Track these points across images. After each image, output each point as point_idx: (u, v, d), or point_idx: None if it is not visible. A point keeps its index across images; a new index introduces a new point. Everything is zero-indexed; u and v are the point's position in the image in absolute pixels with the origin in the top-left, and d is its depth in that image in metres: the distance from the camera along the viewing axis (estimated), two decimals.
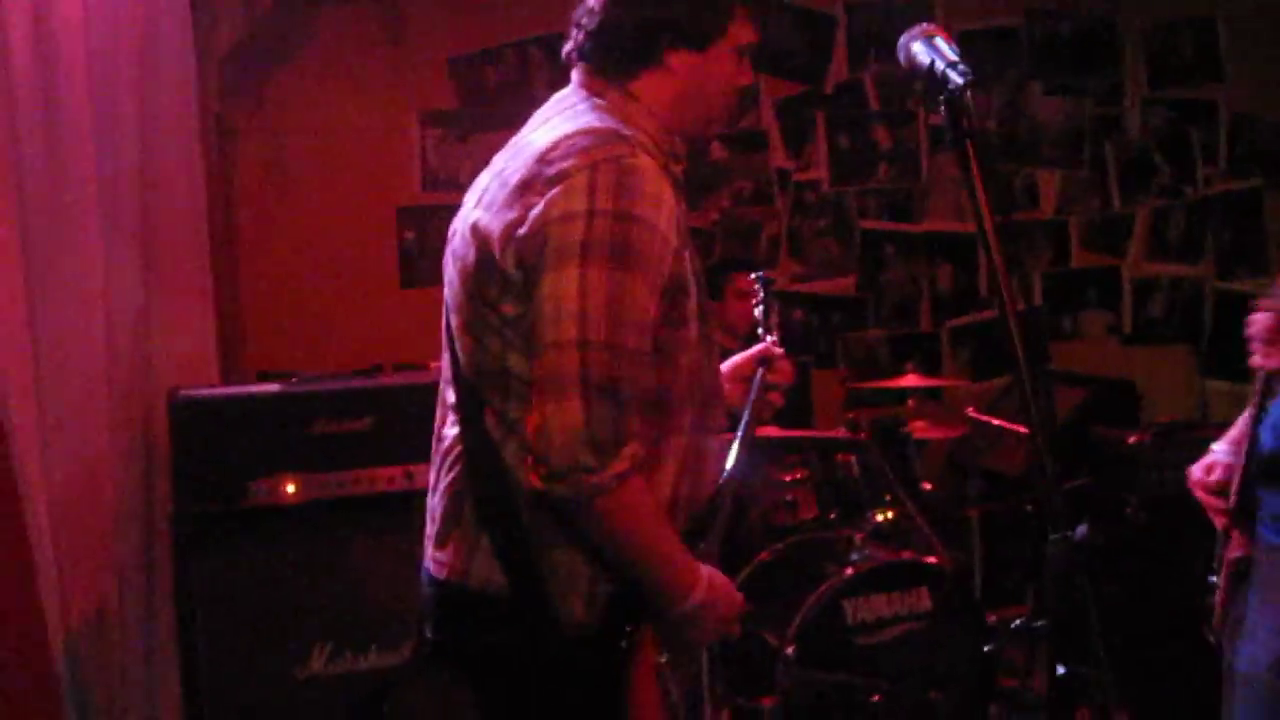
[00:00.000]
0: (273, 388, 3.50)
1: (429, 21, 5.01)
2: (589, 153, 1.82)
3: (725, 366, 2.30)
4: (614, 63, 1.97)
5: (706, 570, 1.96)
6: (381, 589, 3.42)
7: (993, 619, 3.70)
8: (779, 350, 2.35)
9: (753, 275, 2.67)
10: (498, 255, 1.86)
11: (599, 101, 1.96)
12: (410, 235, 5.11)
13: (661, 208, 1.83)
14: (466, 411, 1.98)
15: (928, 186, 5.66)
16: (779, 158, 5.49)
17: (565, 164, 1.82)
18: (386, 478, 3.46)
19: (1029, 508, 4.21)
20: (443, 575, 1.99)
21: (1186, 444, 4.21)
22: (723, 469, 2.14)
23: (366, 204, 5.02)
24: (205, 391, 3.51)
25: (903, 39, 1.75)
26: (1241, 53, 5.96)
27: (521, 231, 1.82)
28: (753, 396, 2.29)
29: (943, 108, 1.62)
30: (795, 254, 5.53)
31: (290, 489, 3.40)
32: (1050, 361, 5.76)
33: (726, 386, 2.28)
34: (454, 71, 5.10)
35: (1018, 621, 3.93)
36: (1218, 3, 5.93)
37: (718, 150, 5.40)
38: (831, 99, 5.54)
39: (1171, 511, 4.00)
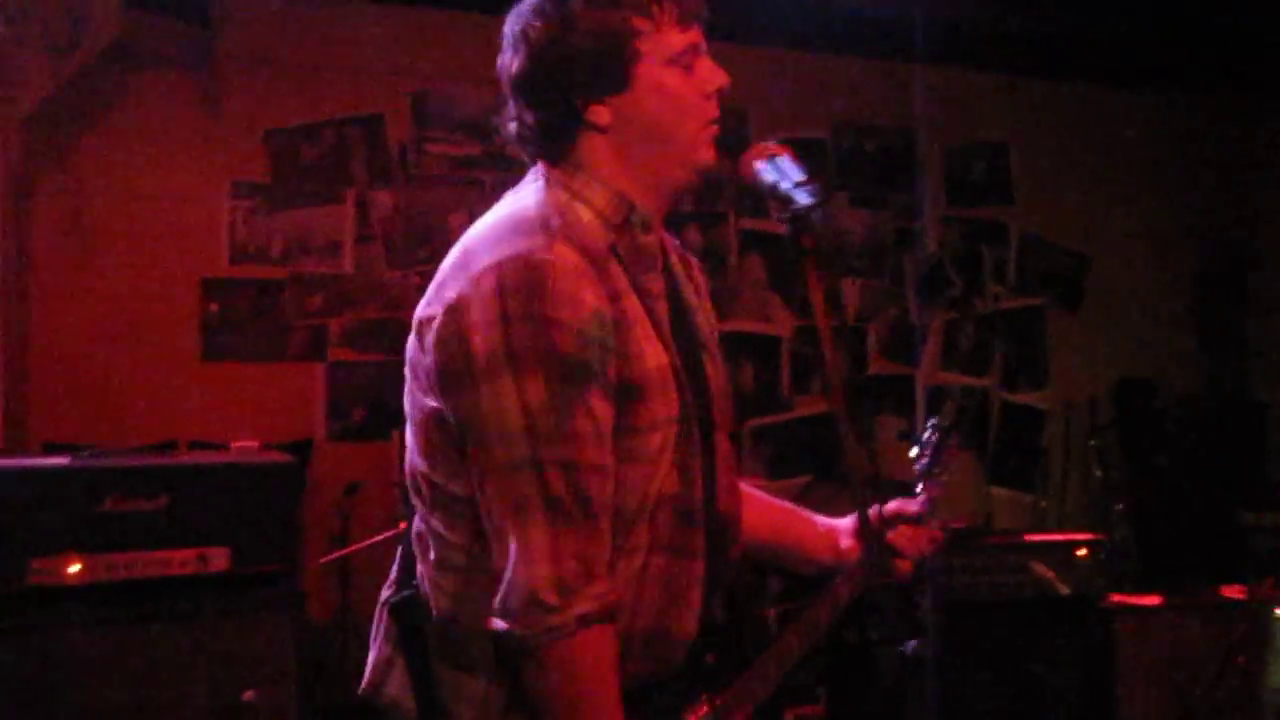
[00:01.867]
0: (60, 460, 3.33)
1: (247, 92, 4.95)
2: (499, 246, 1.68)
3: (848, 522, 2.11)
4: (547, 145, 1.79)
5: None
6: (168, 677, 3.27)
7: (790, 718, 3.76)
8: (921, 509, 2.12)
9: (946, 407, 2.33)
10: (423, 348, 1.72)
11: (542, 183, 1.78)
12: (214, 307, 4.98)
13: (580, 307, 1.62)
14: (407, 513, 1.84)
15: (735, 288, 5.81)
16: None
17: (477, 260, 1.68)
18: (180, 560, 3.32)
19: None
20: (363, 685, 1.85)
21: (971, 550, 4.42)
22: (700, 605, 1.82)
23: (170, 273, 4.88)
24: None
25: (746, 156, 1.77)
26: (1031, 178, 6.34)
27: (438, 328, 1.68)
28: (863, 557, 2.03)
29: (787, 225, 1.66)
30: None
31: (74, 569, 3.23)
32: (841, 464, 5.93)
33: (844, 543, 2.10)
34: (269, 144, 5.02)
35: None
36: (1009, 130, 6.31)
37: None
38: None
39: (963, 617, 4.15)
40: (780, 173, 1.69)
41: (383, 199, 5.21)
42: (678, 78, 1.76)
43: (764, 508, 2.17)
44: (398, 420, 5.68)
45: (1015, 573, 4.33)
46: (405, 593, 1.79)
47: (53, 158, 4.56)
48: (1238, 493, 6.04)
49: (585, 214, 1.75)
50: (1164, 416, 6.43)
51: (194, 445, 4.08)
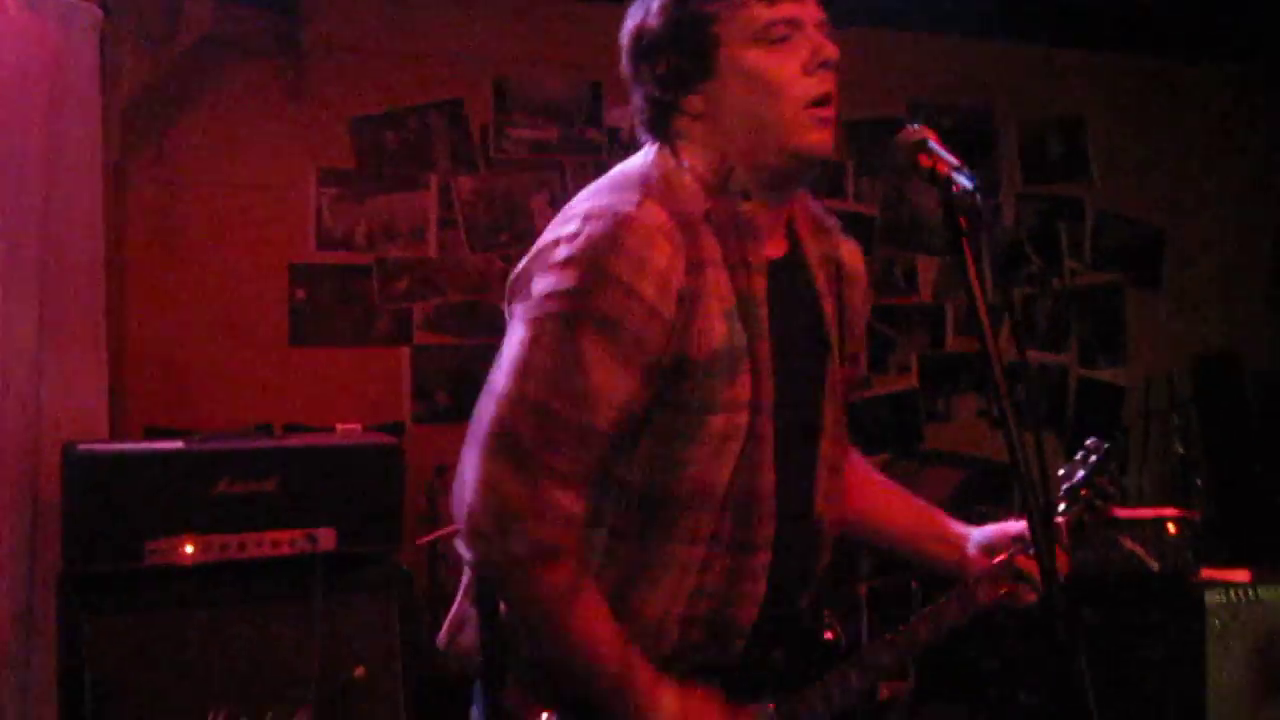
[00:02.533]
0: (175, 445, 3.41)
1: (332, 81, 5.01)
2: (595, 197, 1.70)
3: (980, 534, 2.03)
4: (654, 128, 1.78)
5: (678, 701, 1.69)
6: (278, 655, 3.34)
7: (886, 693, 3.79)
8: (1058, 534, 1.98)
9: (1090, 442, 2.13)
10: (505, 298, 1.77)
11: (652, 150, 1.77)
12: (302, 294, 5.06)
13: (646, 271, 1.61)
14: None
15: None
16: None
17: (574, 207, 1.72)
18: (289, 540, 3.40)
19: (913, 584, 4.34)
20: (439, 637, 1.90)
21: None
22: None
23: (259, 260, 4.97)
24: (104, 446, 3.40)
25: (898, 138, 1.71)
26: (1107, 154, 6.30)
27: (524, 260, 1.74)
28: (985, 570, 1.95)
29: (943, 207, 1.61)
30: None
31: (189, 549, 3.31)
32: (924, 441, 5.95)
33: (971, 552, 2.00)
34: (354, 131, 5.09)
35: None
36: (1085, 105, 6.26)
37: None
38: None
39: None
40: (937, 157, 1.64)
41: (464, 183, 5.26)
42: (764, 56, 1.68)
43: (898, 506, 2.14)
44: None
45: (1105, 548, 4.32)
46: None
47: (147, 149, 4.64)
48: None
49: (686, 178, 1.72)
50: (1245, 391, 6.38)
51: (289, 429, 4.14)
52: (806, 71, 1.68)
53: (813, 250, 1.87)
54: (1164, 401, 6.15)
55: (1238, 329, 6.49)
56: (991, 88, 5.99)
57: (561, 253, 1.64)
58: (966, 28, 5.57)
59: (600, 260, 1.61)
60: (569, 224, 1.67)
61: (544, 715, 1.74)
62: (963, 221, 1.58)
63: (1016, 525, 1.98)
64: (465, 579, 1.87)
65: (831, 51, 1.70)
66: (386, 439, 3.67)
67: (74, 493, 3.29)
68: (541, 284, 1.65)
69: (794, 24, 1.69)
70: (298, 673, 3.31)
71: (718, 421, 1.68)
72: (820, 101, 1.70)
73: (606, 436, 1.64)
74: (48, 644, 3.54)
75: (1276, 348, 6.63)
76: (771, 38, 1.68)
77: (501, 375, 1.66)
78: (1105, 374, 6.33)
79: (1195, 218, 6.45)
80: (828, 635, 1.95)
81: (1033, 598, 1.93)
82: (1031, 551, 1.89)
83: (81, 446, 3.33)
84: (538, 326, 1.63)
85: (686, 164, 1.73)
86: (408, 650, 3.47)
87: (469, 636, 1.82)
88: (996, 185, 6.10)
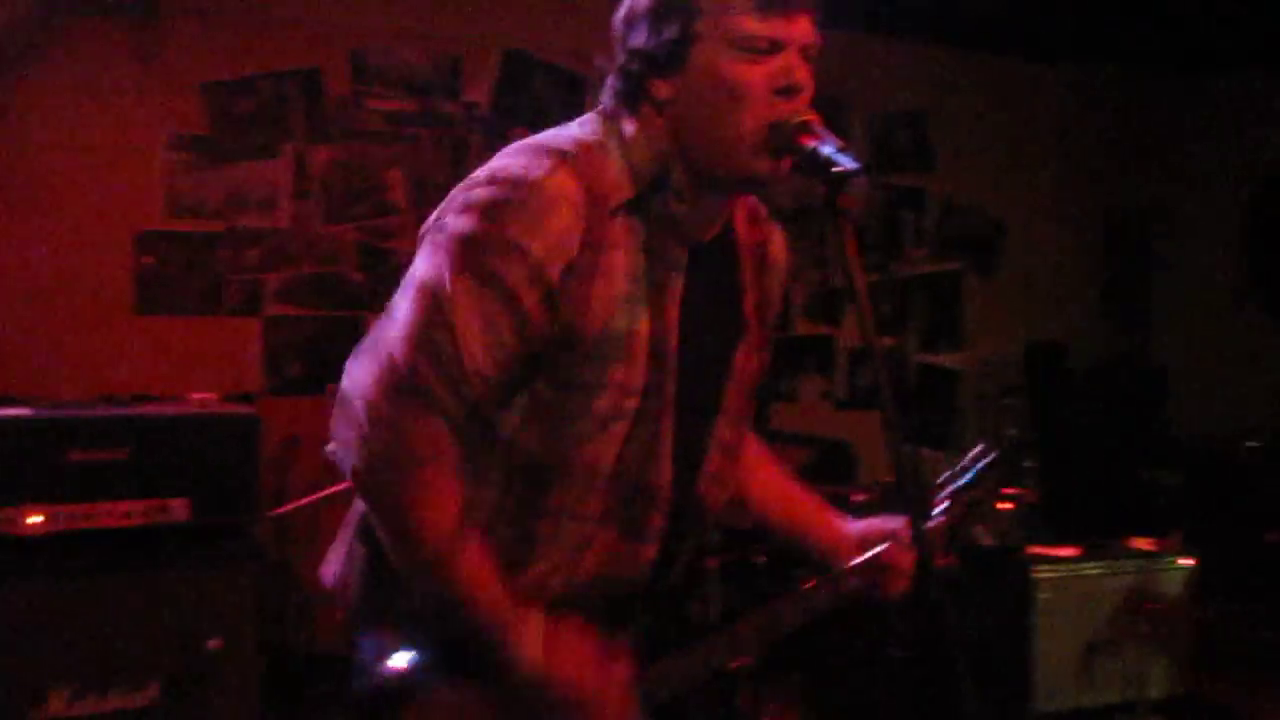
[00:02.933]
0: (23, 411, 3.31)
1: (186, 44, 4.91)
2: (516, 154, 1.68)
3: (857, 527, 2.05)
4: (617, 98, 1.75)
5: (542, 630, 1.68)
6: (128, 628, 3.28)
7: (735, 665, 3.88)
8: (934, 534, 2.01)
9: (980, 448, 2.11)
10: None
11: (597, 115, 1.76)
12: (149, 261, 4.94)
13: (538, 233, 1.62)
14: None
15: None
16: None
17: (497, 158, 1.71)
18: (141, 511, 3.33)
19: (761, 559, 4.45)
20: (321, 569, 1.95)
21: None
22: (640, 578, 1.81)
23: (105, 225, 4.85)
24: None
25: (780, 120, 1.66)
26: (949, 146, 6.53)
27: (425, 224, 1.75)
28: (856, 562, 1.98)
29: (824, 187, 1.59)
30: None
31: (36, 519, 3.22)
32: (769, 421, 6.09)
33: (846, 547, 2.02)
34: (207, 97, 4.99)
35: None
36: (930, 99, 6.48)
37: None
38: None
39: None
40: (828, 144, 1.62)
41: (320, 154, 5.20)
42: (738, 65, 1.65)
43: (785, 493, 2.17)
44: (334, 374, 5.69)
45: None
46: None
47: None
48: (1139, 451, 6.33)
49: (615, 161, 1.71)
50: (1072, 377, 6.69)
51: (135, 398, 4.06)
52: (774, 91, 1.65)
53: (744, 238, 1.88)
54: (997, 386, 6.41)
55: (1068, 318, 6.81)
56: (843, 80, 6.15)
57: (470, 197, 1.66)
58: (820, 20, 5.69)
59: (498, 215, 1.63)
60: (484, 172, 1.69)
61: (403, 654, 1.77)
62: (848, 203, 1.58)
63: (891, 522, 2.01)
64: (350, 515, 1.89)
65: (803, 77, 1.66)
66: (244, 409, 3.63)
67: None
68: (447, 222, 1.68)
69: (777, 44, 1.66)
70: (151, 645, 3.26)
71: (602, 403, 1.70)
72: (781, 126, 1.65)
73: (479, 380, 1.65)
74: None
75: (1103, 336, 6.97)
76: (750, 49, 1.65)
77: (398, 301, 1.69)
78: (942, 359, 6.57)
79: (1030, 210, 6.73)
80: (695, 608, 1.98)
81: (897, 591, 1.97)
82: (901, 547, 1.94)
83: None
84: (435, 264, 1.65)
85: (626, 142, 1.72)
86: (261, 622, 3.44)
87: (348, 574, 1.85)
88: None
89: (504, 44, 5.52)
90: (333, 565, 1.91)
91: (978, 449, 2.10)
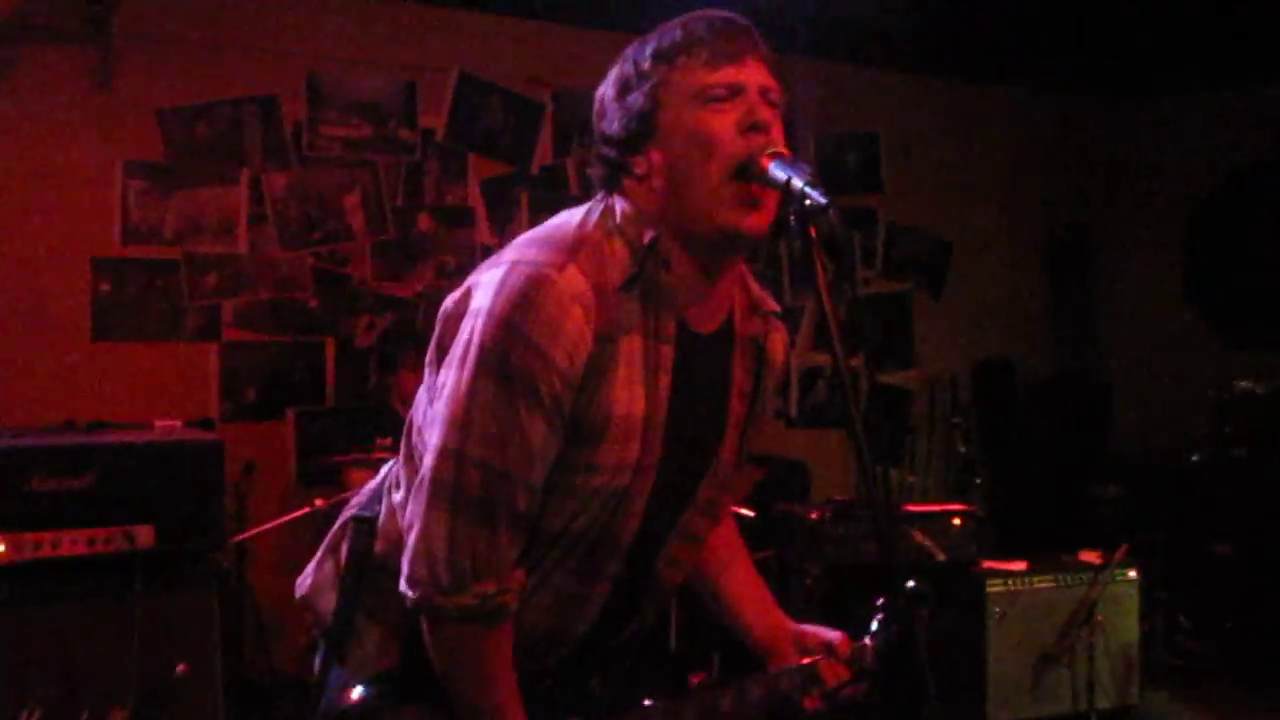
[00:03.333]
0: None
1: (141, 71, 4.92)
2: (524, 250, 1.73)
3: (795, 629, 2.07)
4: (606, 180, 1.80)
5: None
6: (95, 654, 3.29)
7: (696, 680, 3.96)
8: (863, 652, 1.97)
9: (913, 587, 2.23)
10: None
11: (597, 207, 1.80)
12: (105, 287, 4.94)
13: (558, 338, 1.66)
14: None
15: None
16: (484, 233, 5.68)
17: (505, 255, 1.75)
18: (105, 538, 3.35)
19: None
20: (299, 581, 2.00)
21: (857, 519, 4.69)
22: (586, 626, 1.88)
23: (62, 252, 4.84)
24: None
25: (750, 154, 1.70)
26: (898, 168, 6.65)
27: (450, 300, 1.78)
28: (791, 666, 2.00)
29: (793, 219, 1.64)
30: None
31: None
32: None
33: (783, 647, 2.05)
34: (163, 123, 5.00)
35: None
36: (880, 120, 6.60)
37: (425, 223, 5.54)
38: (536, 180, 5.79)
39: (846, 580, 4.42)
40: (791, 170, 1.66)
41: (277, 179, 5.23)
42: (701, 114, 1.70)
43: (739, 581, 2.20)
44: (291, 399, 5.73)
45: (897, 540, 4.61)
46: (370, 513, 1.90)
47: None
48: (1084, 466, 6.46)
49: (618, 244, 1.76)
50: (1019, 394, 6.82)
51: (93, 425, 4.06)
52: (741, 131, 1.69)
53: (742, 331, 1.92)
54: (947, 403, 6.53)
55: (1014, 336, 6.94)
56: (794, 100, 6.25)
57: (485, 302, 1.69)
58: (771, 43, 5.79)
59: (517, 321, 1.66)
60: (497, 269, 1.72)
61: (356, 690, 1.85)
62: (814, 232, 1.63)
63: (831, 634, 2.02)
64: (330, 538, 1.95)
65: (767, 115, 1.71)
66: (207, 435, 3.65)
67: None
68: (467, 331, 1.71)
69: (734, 89, 1.71)
70: (115, 671, 3.27)
71: (597, 480, 1.75)
72: (748, 171, 1.68)
73: (539, 488, 1.72)
74: None
75: (1047, 355, 7.12)
76: (709, 97, 1.70)
77: (444, 430, 1.71)
78: (894, 377, 6.68)
79: (976, 231, 6.87)
80: (695, 678, 2.01)
81: (813, 704, 1.97)
82: (833, 660, 1.96)
83: None
84: (471, 383, 1.69)
85: (620, 223, 1.77)
86: (226, 647, 3.47)
87: (326, 600, 1.91)
88: None
89: (458, 70, 5.57)
90: (307, 578, 1.97)
91: (910, 585, 2.07)
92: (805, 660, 2.01)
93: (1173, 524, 5.90)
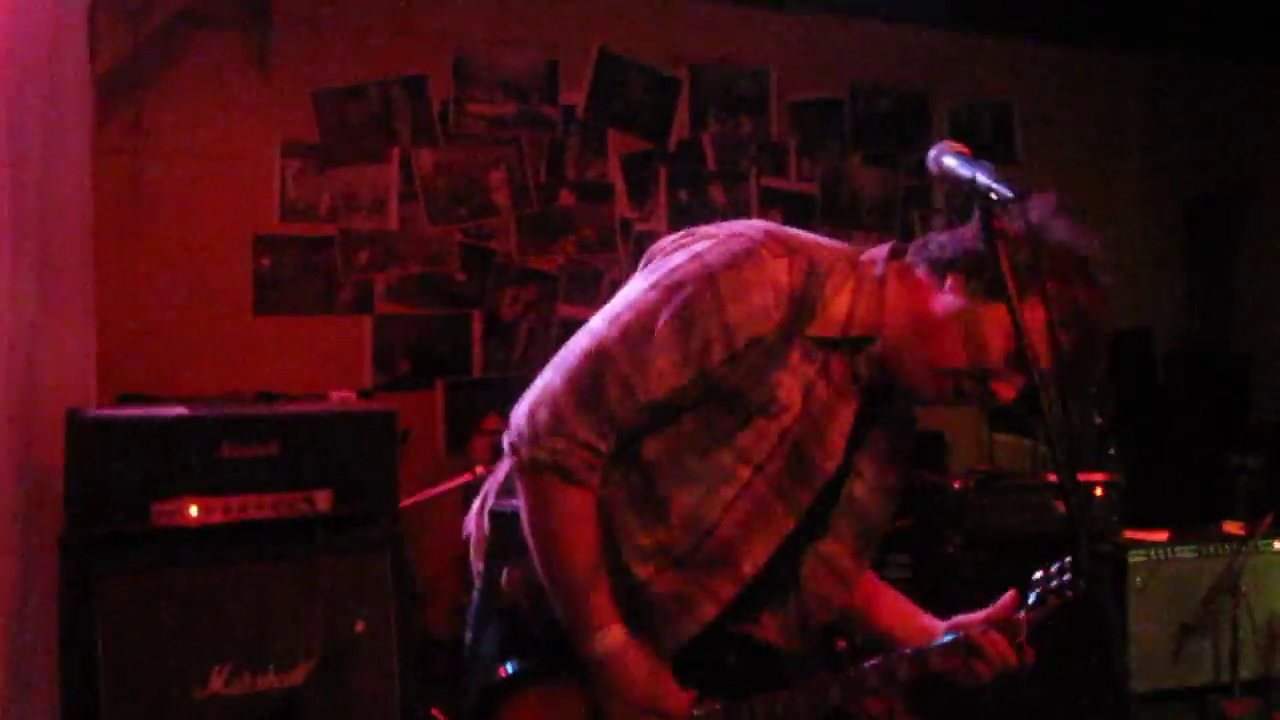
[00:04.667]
0: (179, 410, 3.51)
1: (296, 54, 5.10)
2: (752, 227, 1.88)
3: (951, 621, 2.14)
4: (917, 257, 1.91)
5: (622, 636, 1.91)
6: (280, 612, 3.47)
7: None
8: (1019, 627, 2.05)
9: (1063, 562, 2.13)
10: None
11: (879, 262, 1.91)
12: (266, 263, 5.15)
13: (743, 301, 1.80)
14: None
15: None
16: (623, 208, 5.78)
17: (737, 225, 1.90)
18: (289, 503, 3.52)
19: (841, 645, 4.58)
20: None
21: (999, 490, 4.72)
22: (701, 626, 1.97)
23: (225, 230, 5.06)
24: (109, 412, 3.49)
25: (933, 152, 1.89)
26: (1034, 136, 6.61)
27: (662, 242, 1.97)
28: (944, 639, 2.07)
29: (979, 212, 1.77)
30: None
31: (193, 511, 3.42)
32: None
33: (931, 630, 2.12)
34: (318, 104, 5.18)
35: None
36: (1014, 89, 6.56)
37: (567, 198, 5.66)
38: (673, 156, 5.87)
39: (990, 549, 4.46)
40: (975, 167, 1.79)
41: (425, 157, 5.39)
42: (982, 339, 1.80)
43: (889, 607, 2.26)
44: (441, 369, 5.90)
45: (1038, 510, 4.63)
46: (510, 509, 2.04)
47: (119, 119, 4.70)
48: (1225, 436, 6.38)
49: (842, 297, 1.87)
50: (1156, 363, 6.75)
51: (261, 396, 4.24)
52: (973, 377, 1.84)
53: (898, 403, 2.04)
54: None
55: (1152, 305, 6.86)
56: (926, 73, 6.26)
57: (699, 247, 1.86)
58: (903, 15, 5.82)
59: (717, 273, 1.82)
60: (721, 231, 1.89)
61: (507, 665, 2.01)
62: (1000, 225, 1.74)
63: (984, 613, 2.10)
64: (497, 474, 2.13)
65: (1006, 394, 1.84)
66: (382, 407, 3.80)
67: (80, 457, 3.37)
68: (671, 261, 1.88)
69: (1002, 370, 1.82)
70: (299, 629, 3.44)
71: (724, 457, 1.89)
72: (950, 393, 1.86)
73: (649, 407, 1.86)
74: (46, 608, 3.62)
75: (1184, 324, 7.02)
76: (1001, 351, 1.80)
77: (601, 320, 1.89)
78: None
79: (1113, 199, 6.79)
80: (839, 643, 2.12)
81: (984, 675, 2.04)
82: (989, 632, 2.03)
83: (88, 413, 3.42)
84: (643, 297, 1.86)
85: (865, 287, 1.88)
86: (401, 606, 3.63)
87: (478, 521, 2.13)
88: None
89: (598, 47, 5.67)
90: (470, 517, 2.19)
91: (1066, 559, 2.14)
92: (956, 636, 2.07)
93: None
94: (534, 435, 1.87)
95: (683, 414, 1.89)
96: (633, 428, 1.88)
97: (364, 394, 4.97)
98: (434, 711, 4.43)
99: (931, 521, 4.61)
